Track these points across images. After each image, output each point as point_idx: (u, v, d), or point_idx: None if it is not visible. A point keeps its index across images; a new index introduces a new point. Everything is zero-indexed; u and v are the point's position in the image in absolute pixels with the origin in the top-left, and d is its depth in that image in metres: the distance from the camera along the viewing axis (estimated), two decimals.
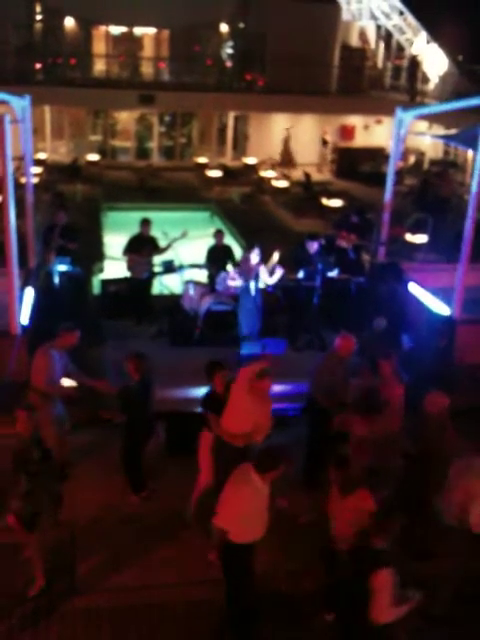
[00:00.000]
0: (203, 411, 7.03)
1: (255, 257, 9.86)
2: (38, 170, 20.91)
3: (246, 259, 10.03)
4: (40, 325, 9.34)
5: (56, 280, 10.47)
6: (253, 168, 26.05)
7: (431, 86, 27.59)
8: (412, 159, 27.45)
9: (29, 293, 10.06)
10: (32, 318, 9.52)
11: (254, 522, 5.46)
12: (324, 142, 28.53)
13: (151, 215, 11.70)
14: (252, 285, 9.95)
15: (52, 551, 6.44)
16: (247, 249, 10.24)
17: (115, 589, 6.32)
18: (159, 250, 11.21)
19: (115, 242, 14.98)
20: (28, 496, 5.76)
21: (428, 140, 25.80)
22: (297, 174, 24.52)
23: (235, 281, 10.24)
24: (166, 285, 11.89)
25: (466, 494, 5.77)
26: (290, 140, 27.75)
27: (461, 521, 5.82)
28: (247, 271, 9.98)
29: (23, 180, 11.62)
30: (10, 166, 8.90)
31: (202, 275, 11.73)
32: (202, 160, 26.67)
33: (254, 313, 10.08)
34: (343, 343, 7.63)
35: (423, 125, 24.46)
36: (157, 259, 11.37)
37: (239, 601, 5.75)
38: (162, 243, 11.26)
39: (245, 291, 10.04)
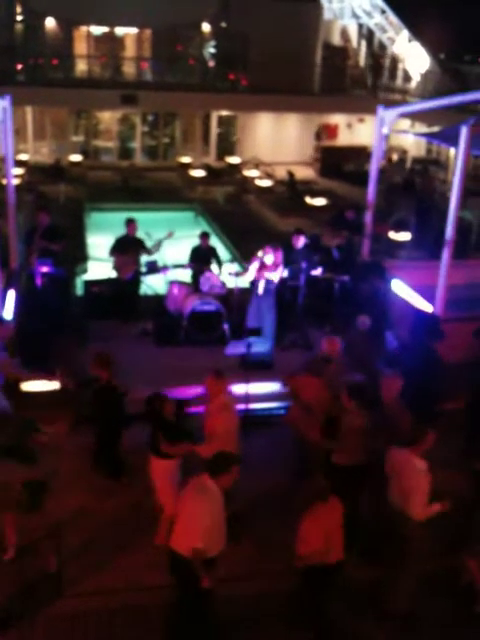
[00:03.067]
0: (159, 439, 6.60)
1: (270, 258, 9.75)
2: (20, 171, 20.78)
3: (259, 258, 9.90)
4: (23, 327, 9.29)
5: (38, 282, 10.41)
6: (237, 168, 26.05)
7: (413, 84, 27.70)
8: (395, 157, 27.56)
9: (11, 295, 9.99)
10: (14, 320, 9.45)
11: (219, 532, 5.32)
12: (319, 136, 28.92)
13: (135, 216, 11.67)
14: (261, 284, 9.87)
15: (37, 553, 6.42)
16: (271, 247, 9.99)
17: (101, 592, 6.27)
18: (146, 250, 11.20)
19: (99, 243, 14.94)
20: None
21: (411, 138, 25.91)
22: (281, 173, 24.54)
23: (247, 274, 10.17)
24: (150, 285, 11.85)
25: (407, 487, 5.75)
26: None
27: (403, 510, 5.84)
28: (258, 270, 9.88)
29: (5, 181, 11.53)
30: None
31: (186, 275, 11.70)
32: (186, 160, 26.65)
33: (260, 311, 10.01)
34: (329, 345, 7.65)
35: (406, 123, 24.56)
36: (142, 260, 11.34)
37: (200, 610, 5.60)
38: (148, 244, 11.25)
39: (254, 288, 10.00)
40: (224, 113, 28.04)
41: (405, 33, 28.21)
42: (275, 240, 11.11)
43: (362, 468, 6.57)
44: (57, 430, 6.84)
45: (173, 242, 11.55)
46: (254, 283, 10.00)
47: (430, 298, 10.23)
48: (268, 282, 9.79)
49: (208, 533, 5.20)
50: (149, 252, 11.22)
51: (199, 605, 5.53)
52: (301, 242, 10.88)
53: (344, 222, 12.23)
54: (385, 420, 6.67)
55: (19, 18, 26.97)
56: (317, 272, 10.92)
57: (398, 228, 15.60)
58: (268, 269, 9.74)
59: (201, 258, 11.38)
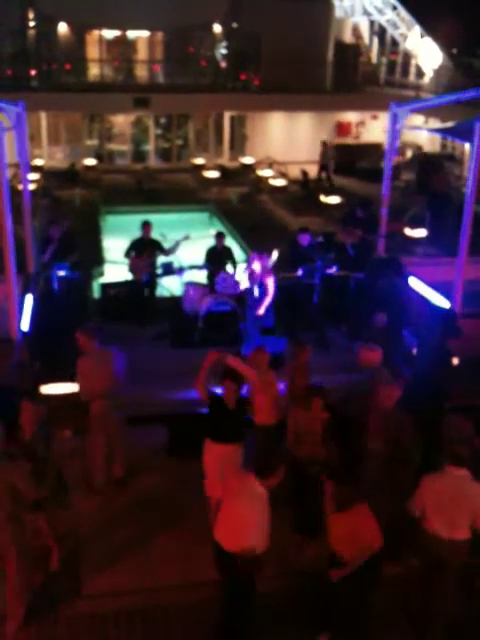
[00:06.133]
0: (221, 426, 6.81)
1: (257, 266, 9.83)
2: (35, 176, 20.92)
3: (250, 263, 9.98)
4: (41, 331, 9.35)
5: (55, 285, 10.48)
6: (251, 168, 26.05)
7: (426, 80, 27.55)
8: (409, 154, 27.42)
9: (29, 299, 10.06)
10: (32, 324, 9.52)
11: (266, 531, 5.36)
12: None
13: (149, 218, 11.71)
14: (256, 289, 9.93)
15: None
16: (256, 254, 10.09)
17: (119, 592, 6.30)
18: (163, 251, 11.24)
19: (114, 246, 15.00)
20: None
21: (424, 134, 25.76)
22: (294, 172, 24.50)
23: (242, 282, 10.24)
24: (166, 287, 11.89)
25: (472, 511, 5.50)
26: None
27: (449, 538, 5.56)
28: (250, 275, 9.97)
29: (20, 187, 11.63)
30: (5, 172, 8.91)
31: (202, 276, 11.73)
32: (199, 161, 26.70)
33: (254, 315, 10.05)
34: (366, 355, 7.57)
35: (419, 119, 24.43)
36: (157, 262, 11.38)
37: (242, 606, 5.61)
38: (164, 245, 11.29)
39: (250, 293, 10.06)
40: (237, 113, 28.06)
41: (417, 29, 28.08)
42: (282, 239, 11.13)
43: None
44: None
45: (188, 243, 11.58)
46: (250, 291, 10.06)
47: (447, 294, 10.18)
48: (262, 286, 9.85)
49: (258, 532, 5.27)
50: (167, 253, 11.26)
51: (246, 603, 5.56)
52: (306, 240, 10.89)
53: (356, 220, 12.19)
54: (388, 427, 6.60)
55: (31, 24, 27.17)
56: (332, 270, 10.89)
57: (413, 225, 15.54)
58: (257, 276, 9.81)
59: (216, 258, 11.39)
